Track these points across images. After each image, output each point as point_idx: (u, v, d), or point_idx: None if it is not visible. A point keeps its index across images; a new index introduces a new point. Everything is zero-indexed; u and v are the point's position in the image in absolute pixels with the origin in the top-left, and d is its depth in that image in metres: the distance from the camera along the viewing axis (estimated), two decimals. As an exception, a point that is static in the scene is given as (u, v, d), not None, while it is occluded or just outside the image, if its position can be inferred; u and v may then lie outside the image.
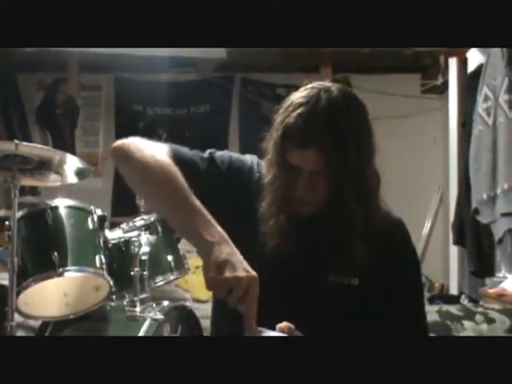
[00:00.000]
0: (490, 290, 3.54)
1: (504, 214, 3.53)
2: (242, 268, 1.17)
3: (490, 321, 2.52)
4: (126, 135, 1.41)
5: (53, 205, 2.26)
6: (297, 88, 1.37)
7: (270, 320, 1.20)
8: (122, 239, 2.31)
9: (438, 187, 5.47)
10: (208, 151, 1.47)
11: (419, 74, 5.58)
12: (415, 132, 5.43)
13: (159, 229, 2.40)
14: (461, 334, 2.45)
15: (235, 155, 1.49)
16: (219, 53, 4.80)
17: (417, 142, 5.43)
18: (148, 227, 2.34)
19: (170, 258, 2.42)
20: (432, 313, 2.50)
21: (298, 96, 1.32)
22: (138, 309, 2.12)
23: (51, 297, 2.27)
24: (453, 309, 2.61)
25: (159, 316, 2.07)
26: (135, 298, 2.15)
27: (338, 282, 1.37)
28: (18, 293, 2.13)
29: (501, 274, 3.75)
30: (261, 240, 1.34)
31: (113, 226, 2.42)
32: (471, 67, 4.19)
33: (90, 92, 5.67)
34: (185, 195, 1.27)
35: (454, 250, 4.56)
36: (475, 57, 4.10)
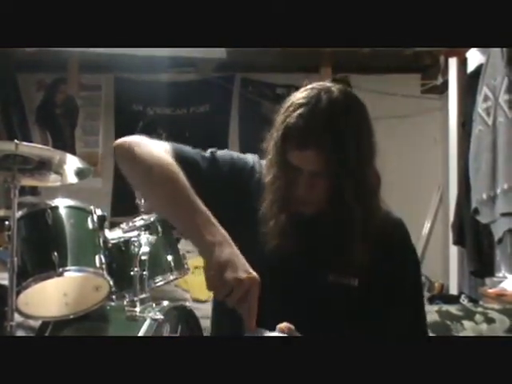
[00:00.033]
0: (490, 290, 3.54)
1: (504, 214, 3.53)
2: (243, 269, 1.17)
3: (489, 321, 2.52)
4: (126, 135, 1.41)
5: (53, 205, 2.25)
6: (297, 88, 1.37)
7: (271, 320, 1.20)
8: (122, 239, 2.31)
9: (437, 187, 5.47)
10: (209, 150, 1.46)
11: (419, 74, 5.58)
12: (415, 132, 5.43)
13: (159, 229, 2.40)
14: (460, 334, 2.45)
15: (236, 155, 1.49)
16: (219, 53, 4.80)
17: (417, 141, 5.43)
18: (148, 227, 2.34)
19: (169, 258, 2.42)
20: (432, 313, 2.50)
21: (298, 96, 1.32)
22: (137, 309, 2.12)
23: (51, 297, 2.27)
24: (452, 309, 2.61)
25: (159, 316, 2.07)
26: (135, 298, 2.15)
27: (338, 282, 1.37)
28: (18, 293, 2.13)
29: (500, 274, 3.75)
30: (261, 240, 1.34)
31: (113, 225, 2.42)
32: (471, 67, 4.19)
33: (89, 92, 5.67)
34: (186, 194, 1.27)
35: (453, 250, 4.56)
36: (475, 57, 4.10)
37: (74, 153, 4.26)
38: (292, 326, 1.21)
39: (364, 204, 1.32)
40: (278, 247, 1.34)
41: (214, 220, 1.23)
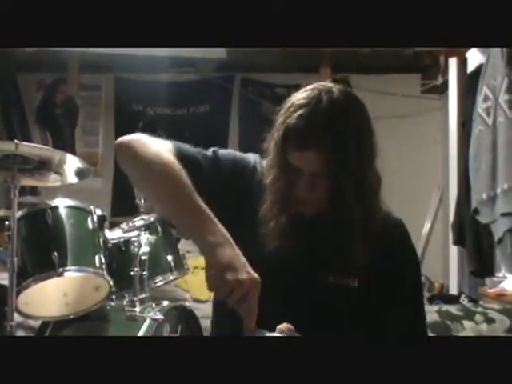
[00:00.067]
0: (490, 290, 3.54)
1: (504, 214, 3.53)
2: (244, 270, 1.17)
3: (489, 321, 2.52)
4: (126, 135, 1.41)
5: (53, 205, 2.25)
6: (296, 88, 1.37)
7: (271, 321, 1.20)
8: (122, 239, 2.31)
9: (437, 187, 5.48)
10: (211, 149, 1.46)
11: (419, 74, 5.58)
12: (415, 132, 5.43)
13: (159, 229, 2.40)
14: (460, 334, 2.45)
15: (238, 154, 1.49)
16: (219, 53, 4.80)
17: (417, 141, 5.43)
18: (148, 227, 2.33)
19: (169, 258, 2.42)
20: (432, 313, 2.50)
21: (298, 97, 1.32)
22: (137, 309, 2.12)
23: (51, 297, 2.27)
24: (452, 309, 2.62)
25: (159, 316, 2.07)
26: (135, 298, 2.15)
27: (338, 283, 1.37)
28: (18, 293, 2.12)
29: (500, 274, 3.75)
30: (261, 241, 1.34)
31: (112, 225, 2.42)
32: (471, 67, 4.20)
33: (89, 92, 5.67)
34: (187, 192, 1.26)
35: (453, 250, 4.56)
36: (475, 57, 4.10)
37: (73, 153, 4.25)
38: (292, 327, 1.21)
39: (364, 204, 1.32)
40: (278, 248, 1.33)
41: (215, 220, 1.22)
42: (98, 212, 2.31)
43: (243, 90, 5.69)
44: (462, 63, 4.45)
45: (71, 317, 2.25)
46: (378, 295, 1.38)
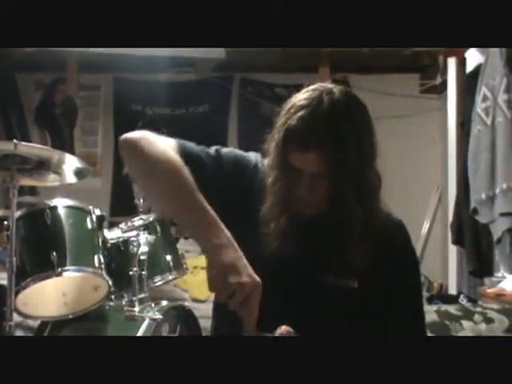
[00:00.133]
0: (489, 290, 3.54)
1: (503, 214, 3.53)
2: (247, 273, 1.17)
3: (488, 320, 2.52)
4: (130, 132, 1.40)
5: (51, 205, 2.25)
6: (296, 88, 1.37)
7: (271, 321, 1.20)
8: (121, 239, 2.31)
9: (436, 187, 5.48)
10: (214, 147, 1.46)
11: (418, 74, 5.59)
12: (414, 132, 5.43)
13: (158, 229, 2.40)
14: (459, 334, 2.45)
15: (240, 153, 1.48)
16: (218, 53, 4.80)
17: (415, 141, 5.43)
18: (147, 227, 2.33)
19: (168, 257, 2.41)
20: (431, 313, 2.50)
21: (299, 98, 1.31)
22: (136, 308, 2.12)
23: (50, 297, 2.27)
24: (451, 308, 2.62)
25: (158, 316, 2.07)
26: (134, 298, 2.15)
27: (337, 284, 1.37)
28: (17, 293, 2.12)
29: (499, 274, 3.75)
30: (262, 241, 1.34)
31: (111, 225, 2.42)
32: (470, 67, 4.20)
33: (88, 92, 5.67)
34: (191, 191, 1.26)
35: (452, 250, 4.56)
36: (474, 57, 4.11)
37: (72, 153, 4.23)
38: (291, 330, 1.21)
39: (364, 204, 1.32)
40: (279, 249, 1.33)
41: (218, 220, 1.22)
42: (97, 212, 2.31)
43: (242, 90, 5.69)
44: (461, 63, 4.45)
45: (70, 317, 2.25)
46: (378, 296, 1.38)
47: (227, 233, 1.21)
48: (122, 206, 4.22)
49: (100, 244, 2.26)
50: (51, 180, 2.43)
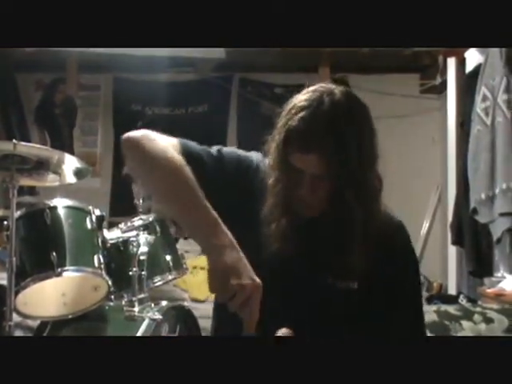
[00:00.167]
0: (489, 290, 3.54)
1: (502, 214, 3.53)
2: (248, 275, 1.16)
3: (488, 321, 2.52)
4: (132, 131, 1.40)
5: (51, 205, 2.25)
6: (295, 87, 1.37)
7: (271, 322, 1.20)
8: (121, 239, 2.31)
9: (436, 187, 5.48)
10: (216, 147, 1.45)
11: (418, 74, 5.59)
12: (414, 132, 5.43)
13: (157, 229, 2.40)
14: (459, 334, 2.45)
15: (242, 153, 1.48)
16: (218, 53, 4.80)
17: (415, 141, 5.43)
18: (146, 227, 2.34)
19: (168, 257, 2.42)
20: (430, 313, 2.50)
21: (300, 99, 1.31)
22: (136, 309, 2.12)
23: (50, 297, 2.27)
24: (451, 309, 2.62)
25: (157, 316, 2.07)
26: (133, 298, 2.15)
27: (338, 285, 1.37)
28: (17, 293, 2.12)
29: (499, 274, 3.75)
30: (262, 242, 1.33)
31: (111, 225, 2.42)
32: (469, 67, 4.20)
33: (88, 92, 5.67)
34: (194, 192, 1.25)
35: (452, 250, 4.56)
36: (474, 57, 4.11)
37: (72, 153, 4.23)
38: (291, 332, 1.21)
39: (365, 205, 1.31)
40: (279, 250, 1.33)
41: (220, 221, 1.22)
42: (97, 212, 2.31)
43: (242, 90, 5.69)
44: (461, 63, 4.45)
45: (70, 317, 2.26)
46: (378, 297, 1.37)
47: (228, 233, 1.21)
48: (121, 206, 4.22)
49: (100, 244, 2.26)
50: (51, 180, 2.43)
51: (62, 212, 2.25)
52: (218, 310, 1.51)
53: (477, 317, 2.53)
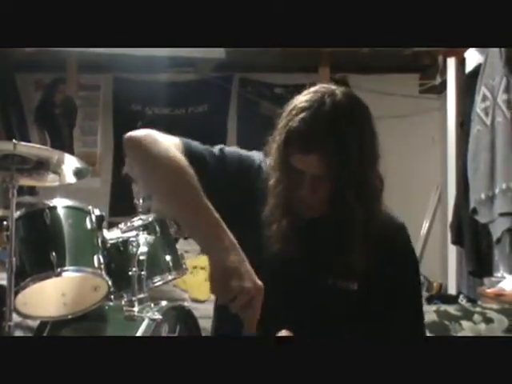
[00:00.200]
0: (488, 290, 3.54)
1: (502, 214, 3.53)
2: (249, 278, 1.16)
3: (488, 321, 2.52)
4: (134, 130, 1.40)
5: (51, 205, 2.25)
6: (295, 88, 1.37)
7: (272, 323, 1.20)
8: (120, 239, 2.31)
9: (436, 187, 5.48)
10: (218, 147, 1.45)
11: (418, 74, 5.58)
12: (413, 132, 5.43)
13: (157, 229, 2.40)
14: (459, 334, 2.45)
15: (244, 153, 1.47)
16: (218, 53, 4.80)
17: (415, 141, 5.43)
18: (146, 227, 2.34)
19: (168, 258, 2.42)
20: (430, 313, 2.50)
21: (301, 100, 1.31)
22: (136, 309, 2.12)
23: (49, 297, 2.27)
24: (451, 309, 2.62)
25: (157, 316, 2.07)
26: (133, 298, 2.15)
27: (338, 286, 1.37)
28: (16, 293, 2.12)
29: (499, 274, 3.75)
30: (263, 243, 1.33)
31: (111, 225, 2.42)
32: (469, 67, 4.20)
33: (88, 92, 5.66)
34: (195, 192, 1.25)
35: (452, 250, 4.56)
36: (473, 57, 4.11)
37: (72, 153, 4.24)
38: (291, 334, 1.21)
39: (366, 206, 1.31)
40: (280, 251, 1.33)
41: (222, 222, 1.21)
42: (97, 212, 2.31)
43: (242, 90, 5.69)
44: (461, 63, 4.45)
45: (69, 317, 2.25)
46: (379, 297, 1.37)
47: (230, 235, 1.20)
48: (121, 206, 4.22)
49: (99, 244, 2.26)
50: (50, 180, 2.43)
51: (61, 212, 2.25)
52: (219, 311, 1.51)
53: (477, 317, 2.53)
